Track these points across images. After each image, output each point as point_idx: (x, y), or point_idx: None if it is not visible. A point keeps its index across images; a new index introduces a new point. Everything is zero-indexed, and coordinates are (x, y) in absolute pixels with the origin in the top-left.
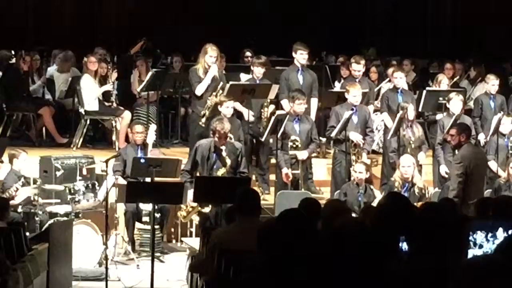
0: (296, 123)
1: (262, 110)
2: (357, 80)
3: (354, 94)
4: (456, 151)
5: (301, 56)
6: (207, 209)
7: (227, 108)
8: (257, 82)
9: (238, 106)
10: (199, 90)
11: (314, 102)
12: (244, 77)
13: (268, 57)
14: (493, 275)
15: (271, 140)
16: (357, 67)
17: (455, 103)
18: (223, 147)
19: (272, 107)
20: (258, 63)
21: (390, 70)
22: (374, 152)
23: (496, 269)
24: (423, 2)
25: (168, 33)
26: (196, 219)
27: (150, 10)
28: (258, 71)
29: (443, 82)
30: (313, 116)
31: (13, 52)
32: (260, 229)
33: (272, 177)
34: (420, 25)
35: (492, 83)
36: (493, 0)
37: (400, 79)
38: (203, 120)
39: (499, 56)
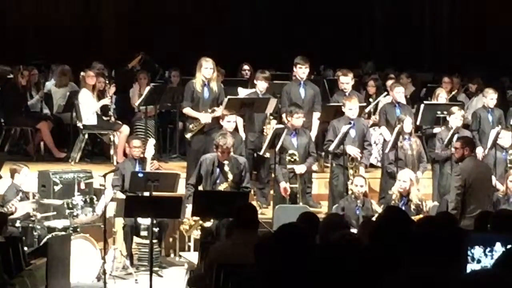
0: (294, 137)
1: (264, 127)
2: (346, 93)
3: (350, 108)
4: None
5: (300, 71)
6: (209, 224)
7: (229, 122)
8: (260, 96)
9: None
10: (186, 110)
11: (316, 116)
12: (242, 91)
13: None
14: None
15: (267, 154)
16: (345, 80)
17: (456, 118)
18: (225, 162)
19: (274, 122)
20: (262, 77)
21: (389, 83)
22: (372, 166)
23: (495, 284)
24: (421, 13)
25: (166, 47)
26: (195, 233)
27: (149, 25)
28: (262, 86)
29: (440, 96)
30: (314, 130)
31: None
32: (258, 243)
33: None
34: (418, 37)
35: (490, 97)
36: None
37: (401, 93)
38: (189, 135)
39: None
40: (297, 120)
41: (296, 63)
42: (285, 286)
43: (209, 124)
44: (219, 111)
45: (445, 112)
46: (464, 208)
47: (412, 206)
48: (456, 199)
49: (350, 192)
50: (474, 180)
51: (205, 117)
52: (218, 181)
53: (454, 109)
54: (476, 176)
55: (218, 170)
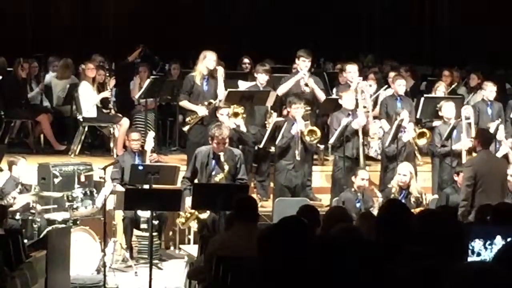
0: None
1: (266, 122)
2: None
3: (347, 99)
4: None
5: (303, 64)
6: (204, 215)
7: (222, 115)
8: (261, 89)
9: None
10: (183, 103)
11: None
12: (242, 84)
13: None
14: (484, 283)
15: (272, 149)
16: (352, 68)
17: (447, 109)
18: (221, 153)
19: (275, 115)
20: (262, 70)
21: (391, 74)
22: (372, 159)
23: (486, 277)
24: (421, 5)
25: (166, 40)
26: (194, 226)
27: (149, 17)
28: (262, 78)
29: (439, 89)
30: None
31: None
32: (260, 236)
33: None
34: (418, 31)
35: (490, 89)
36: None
37: (402, 86)
38: (186, 128)
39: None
40: (295, 110)
41: (299, 56)
42: (286, 279)
43: (209, 117)
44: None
45: (438, 107)
46: (474, 201)
47: (412, 199)
48: (466, 190)
49: (355, 185)
50: (486, 174)
51: (202, 110)
52: (213, 173)
53: (442, 102)
54: (487, 170)
55: (213, 161)
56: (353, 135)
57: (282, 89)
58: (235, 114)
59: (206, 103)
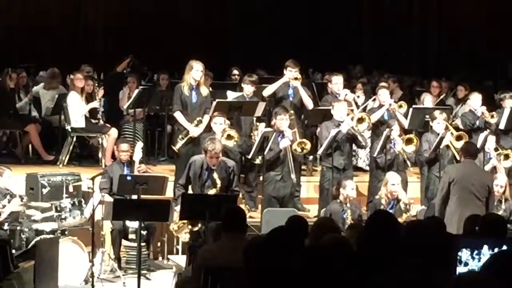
0: (282, 139)
1: (252, 134)
2: (338, 96)
3: (338, 109)
4: None
5: (290, 73)
6: (197, 228)
7: (215, 124)
8: (247, 99)
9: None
10: (177, 114)
11: None
12: (230, 95)
13: (254, 72)
14: None
15: (258, 160)
16: (338, 80)
17: (438, 123)
18: (214, 167)
19: (263, 125)
20: (249, 81)
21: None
22: (361, 169)
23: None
24: (409, 16)
25: (155, 51)
26: (183, 236)
27: (137, 28)
28: (249, 89)
29: (426, 100)
30: None
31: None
32: (247, 247)
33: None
34: (406, 42)
35: (474, 98)
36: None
37: (384, 96)
38: (177, 146)
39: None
40: (280, 122)
41: (287, 66)
42: None
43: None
44: (205, 121)
45: (431, 117)
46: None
47: (402, 206)
48: (440, 193)
49: (342, 195)
50: (460, 182)
51: (195, 131)
52: (206, 184)
53: (436, 113)
54: (463, 179)
55: (206, 173)
56: (343, 145)
57: (267, 91)
58: (229, 137)
59: (195, 121)
